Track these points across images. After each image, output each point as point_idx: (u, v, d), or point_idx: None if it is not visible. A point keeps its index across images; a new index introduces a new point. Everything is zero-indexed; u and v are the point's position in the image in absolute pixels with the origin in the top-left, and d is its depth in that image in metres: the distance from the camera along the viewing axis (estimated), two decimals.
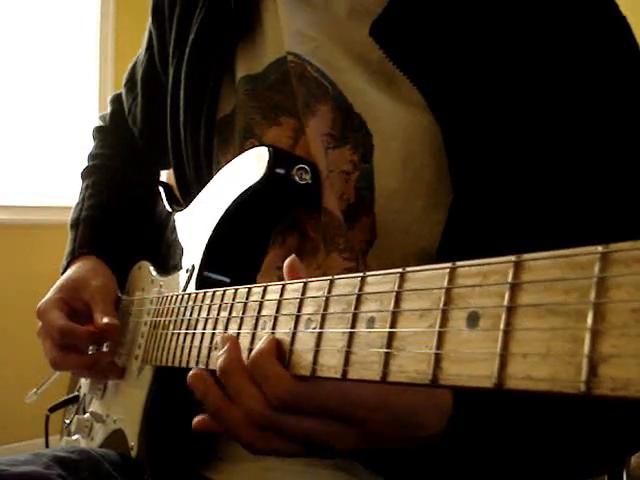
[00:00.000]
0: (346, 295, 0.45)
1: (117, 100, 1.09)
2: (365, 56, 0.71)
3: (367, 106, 0.70)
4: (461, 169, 0.64)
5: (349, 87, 0.71)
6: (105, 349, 0.87)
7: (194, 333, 0.66)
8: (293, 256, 0.55)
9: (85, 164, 1.09)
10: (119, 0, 3.10)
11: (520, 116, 0.64)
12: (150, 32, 0.95)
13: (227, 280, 0.76)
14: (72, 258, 0.95)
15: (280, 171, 0.70)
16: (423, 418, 0.53)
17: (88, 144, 1.12)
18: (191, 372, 0.57)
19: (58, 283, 0.91)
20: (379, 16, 0.69)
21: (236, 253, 0.77)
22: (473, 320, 0.34)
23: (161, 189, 1.01)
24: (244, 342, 0.55)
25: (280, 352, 0.50)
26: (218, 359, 0.54)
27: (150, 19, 0.95)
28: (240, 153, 0.77)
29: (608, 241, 0.60)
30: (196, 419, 0.57)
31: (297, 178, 0.70)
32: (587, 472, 0.65)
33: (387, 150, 0.68)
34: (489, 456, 0.57)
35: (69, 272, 0.93)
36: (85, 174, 1.07)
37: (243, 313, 0.57)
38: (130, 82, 1.03)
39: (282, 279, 0.76)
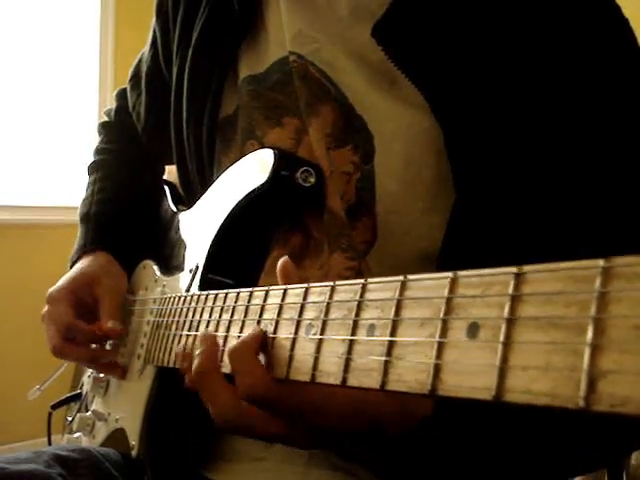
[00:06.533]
0: (347, 301, 0.44)
1: (122, 95, 1.09)
2: (367, 57, 0.70)
3: (368, 107, 0.70)
4: (462, 171, 0.64)
5: (351, 88, 0.71)
6: (108, 347, 0.88)
7: (196, 335, 0.66)
8: (286, 258, 0.56)
9: (91, 159, 1.10)
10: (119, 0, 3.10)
11: (522, 118, 0.63)
12: (154, 31, 0.95)
13: (230, 282, 0.76)
14: (83, 252, 0.96)
15: (285, 173, 0.70)
16: (391, 422, 0.54)
17: (88, 144, 1.13)
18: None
19: (71, 273, 0.92)
20: (381, 17, 0.68)
21: (240, 254, 0.77)
22: (473, 331, 0.34)
23: (166, 187, 1.01)
24: None
25: (262, 346, 0.52)
26: (195, 359, 0.57)
27: (154, 18, 0.95)
28: (241, 154, 0.77)
29: (610, 245, 0.60)
30: None
31: (301, 180, 0.70)
32: (580, 469, 0.65)
33: (388, 151, 0.68)
34: (479, 455, 0.57)
35: (82, 265, 0.93)
36: (91, 169, 1.07)
37: (245, 316, 0.57)
38: (135, 79, 1.03)
39: None
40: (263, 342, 0.52)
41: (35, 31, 2.95)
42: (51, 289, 0.89)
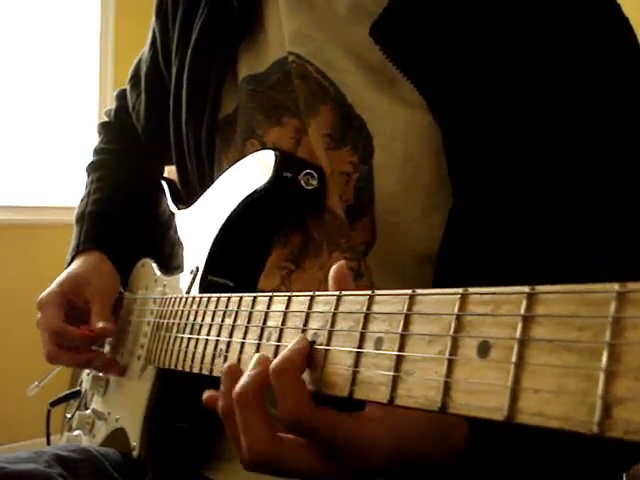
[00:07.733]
0: (354, 313, 0.44)
1: (122, 96, 1.08)
2: (365, 57, 0.70)
3: (367, 107, 0.70)
4: (460, 171, 0.64)
5: (349, 88, 0.71)
6: (103, 349, 0.88)
7: (198, 338, 0.65)
8: (341, 263, 0.50)
9: (90, 159, 1.09)
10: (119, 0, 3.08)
11: (520, 117, 0.63)
12: (154, 31, 0.95)
13: (231, 283, 0.75)
14: (77, 252, 0.95)
15: (287, 175, 0.70)
16: (434, 459, 0.50)
17: (88, 144, 1.12)
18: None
19: (61, 276, 0.92)
20: (378, 16, 0.68)
21: (240, 256, 0.76)
22: (484, 350, 0.34)
23: (165, 186, 1.01)
24: (249, 351, 0.55)
25: (309, 361, 0.47)
26: (242, 379, 0.49)
27: (154, 18, 0.94)
28: (241, 154, 0.77)
29: (608, 246, 0.60)
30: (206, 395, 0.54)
31: (303, 183, 0.70)
32: None
33: (387, 151, 0.68)
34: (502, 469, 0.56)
35: (73, 266, 0.93)
36: (90, 169, 1.07)
37: (248, 322, 0.56)
38: (135, 79, 1.03)
39: (285, 278, 0.77)
40: (309, 356, 0.47)
41: (35, 31, 2.92)
42: (41, 294, 0.88)
